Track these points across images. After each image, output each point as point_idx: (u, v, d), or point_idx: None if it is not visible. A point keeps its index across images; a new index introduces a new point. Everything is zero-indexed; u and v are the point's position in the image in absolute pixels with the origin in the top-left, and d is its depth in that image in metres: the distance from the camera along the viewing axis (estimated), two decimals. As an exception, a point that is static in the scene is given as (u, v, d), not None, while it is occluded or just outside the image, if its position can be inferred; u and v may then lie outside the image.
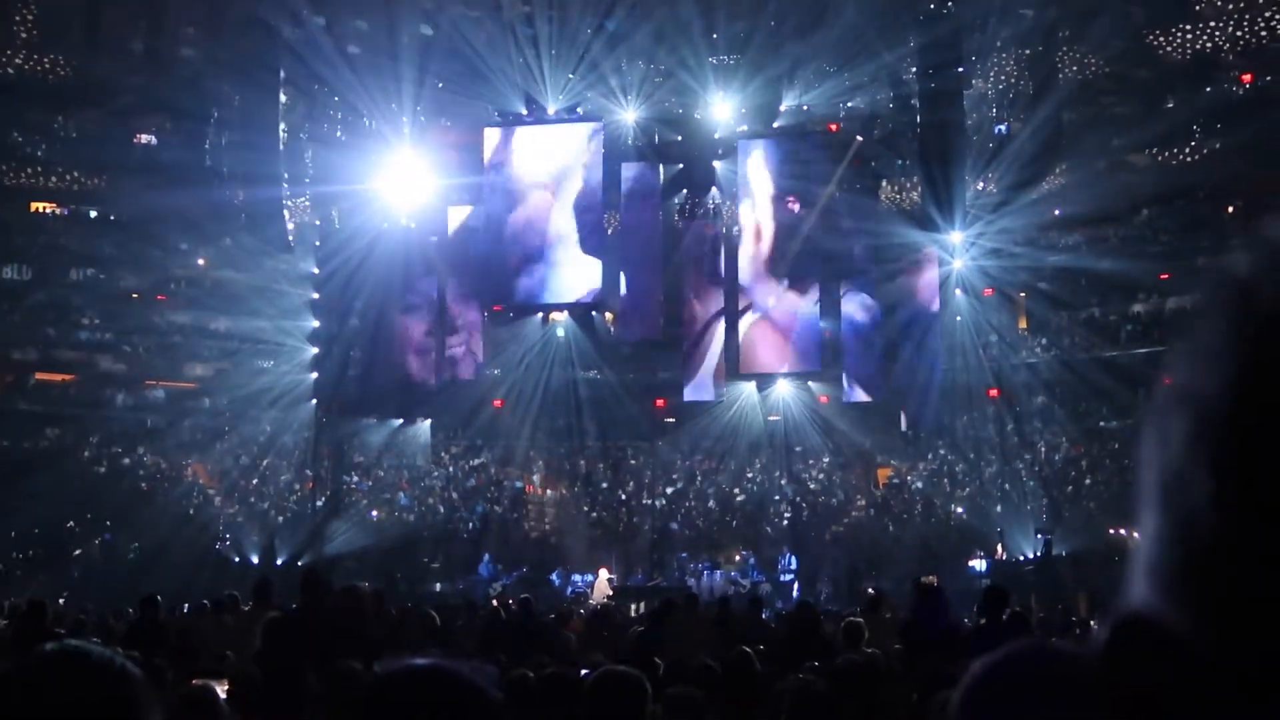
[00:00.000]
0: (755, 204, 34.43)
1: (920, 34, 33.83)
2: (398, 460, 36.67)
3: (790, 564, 30.54)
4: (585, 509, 34.80)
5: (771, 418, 35.08)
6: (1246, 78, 34.58)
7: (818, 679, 7.31)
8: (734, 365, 34.44)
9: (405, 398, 35.65)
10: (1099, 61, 36.10)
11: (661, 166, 35.67)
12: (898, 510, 33.43)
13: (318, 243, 37.06)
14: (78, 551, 32.37)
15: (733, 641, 12.11)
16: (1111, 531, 28.16)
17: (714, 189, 35.85)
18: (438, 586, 30.53)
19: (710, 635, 13.74)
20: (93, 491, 33.70)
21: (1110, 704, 0.90)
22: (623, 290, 34.99)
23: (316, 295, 36.30)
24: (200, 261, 39.55)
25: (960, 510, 32.79)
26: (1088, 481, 31.99)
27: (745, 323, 34.23)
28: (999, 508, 31.64)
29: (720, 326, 34.66)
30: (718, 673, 8.34)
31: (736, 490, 34.81)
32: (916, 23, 34.07)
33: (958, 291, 33.41)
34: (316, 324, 36.22)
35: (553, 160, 34.91)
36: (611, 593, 27.38)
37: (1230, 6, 34.82)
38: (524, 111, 35.48)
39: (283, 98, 36.49)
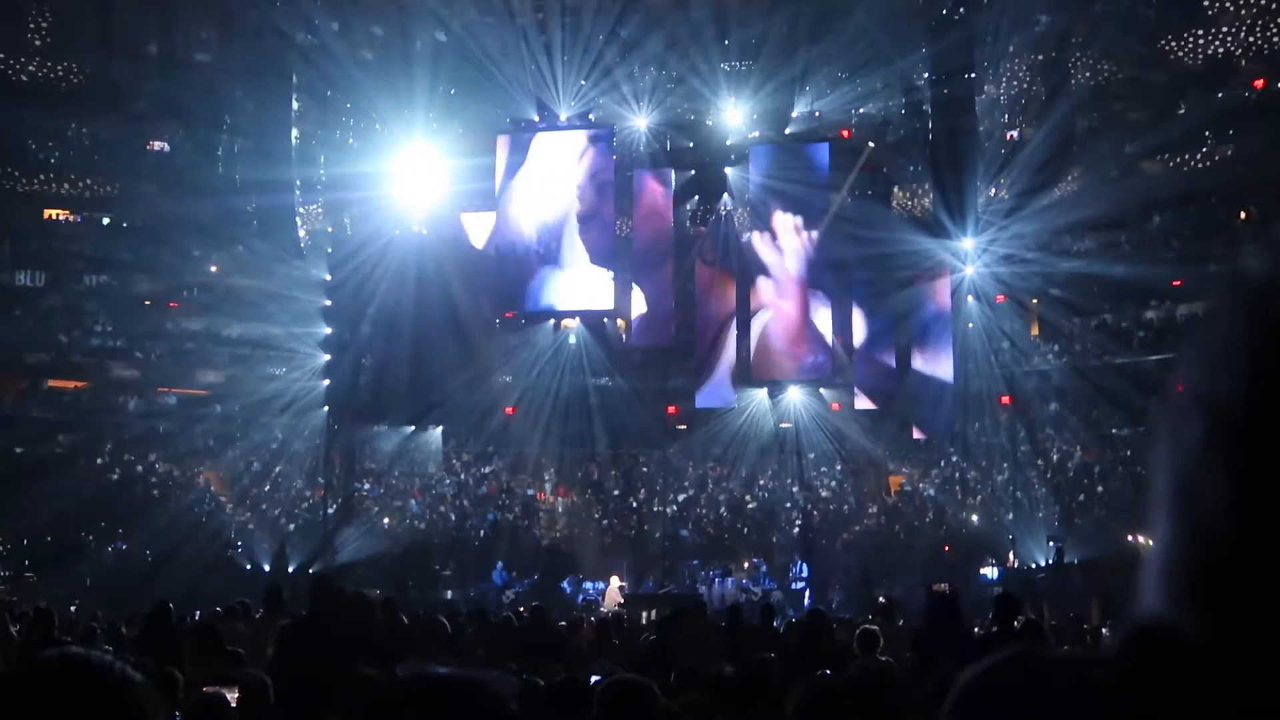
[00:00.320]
0: (767, 210, 34.42)
1: (932, 40, 33.82)
2: (409, 467, 36.70)
3: (802, 571, 30.52)
4: (596, 516, 34.80)
5: (783, 425, 35.08)
6: (1259, 83, 34.49)
7: (828, 679, 7.29)
8: (746, 372, 34.46)
9: (417, 404, 35.68)
10: (1111, 67, 36.04)
11: (673, 173, 35.70)
12: (909, 518, 33.38)
13: (330, 249, 37.11)
14: (89, 557, 32.41)
15: (743, 649, 12.09)
16: (1126, 538, 28.10)
17: (726, 195, 35.89)
18: (449, 594, 30.52)
19: (721, 643, 13.72)
20: (104, 498, 33.74)
21: (1126, 710, 0.89)
22: (634, 297, 35.05)
23: (329, 302, 36.34)
24: (213, 268, 39.60)
25: (973, 518, 32.74)
26: (1100, 489, 31.91)
27: (757, 330, 34.25)
28: (1011, 515, 31.59)
29: (732, 333, 34.69)
30: (729, 680, 8.31)
31: (748, 497, 34.79)
32: (928, 28, 34.06)
33: (969, 298, 33.37)
34: (329, 330, 36.26)
35: (564, 167, 34.95)
36: (622, 600, 27.38)
37: (1243, 11, 34.73)
38: (536, 118, 35.55)
39: (295, 104, 36.59)
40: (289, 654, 9.28)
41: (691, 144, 35.90)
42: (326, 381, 36.03)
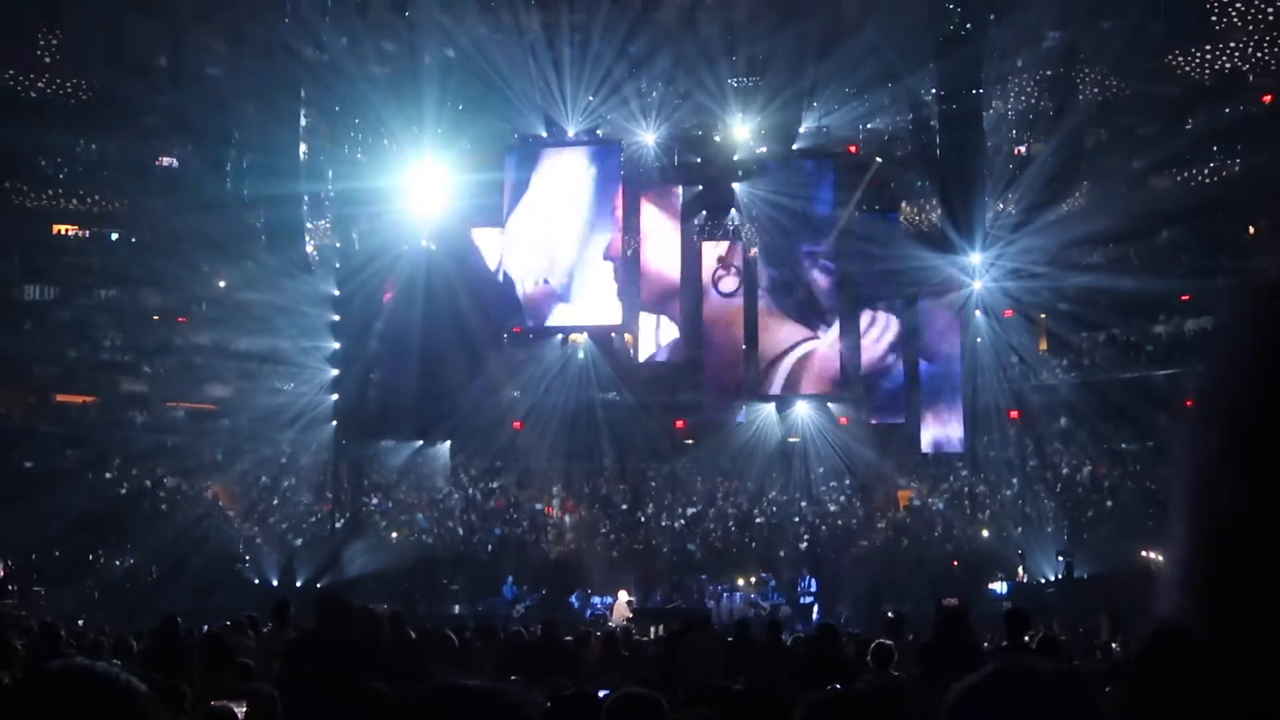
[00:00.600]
0: (774, 226, 34.46)
1: (940, 55, 33.83)
2: (417, 482, 36.70)
3: (810, 586, 30.47)
4: (604, 531, 34.77)
5: (791, 439, 35.05)
6: (1267, 98, 34.49)
7: (835, 693, 7.27)
8: (754, 387, 34.46)
9: (425, 419, 35.67)
10: (1119, 82, 36.05)
11: (681, 188, 35.73)
12: (918, 532, 33.32)
13: (338, 264, 37.14)
14: (97, 572, 32.42)
15: (751, 664, 12.07)
16: (1135, 554, 28.03)
17: (733, 210, 35.91)
18: (456, 608, 30.49)
19: (728, 657, 13.70)
20: (112, 512, 33.76)
21: (1144, 716, 0.89)
22: (642, 312, 35.08)
23: (337, 317, 36.37)
24: (221, 283, 39.66)
25: (982, 533, 32.68)
26: (1109, 503, 31.85)
27: (765, 345, 34.27)
28: (1020, 530, 31.52)
29: (740, 349, 34.71)
30: (737, 695, 8.29)
31: (756, 512, 34.74)
32: (936, 44, 34.07)
33: (978, 313, 33.34)
34: (336, 345, 36.28)
35: (572, 182, 35.00)
36: (630, 615, 27.32)
37: (1251, 26, 34.74)
38: (544, 134, 35.59)
39: (303, 119, 36.65)
40: (295, 668, 9.28)
41: (699, 159, 35.91)
42: (334, 396, 36.03)
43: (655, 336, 35.19)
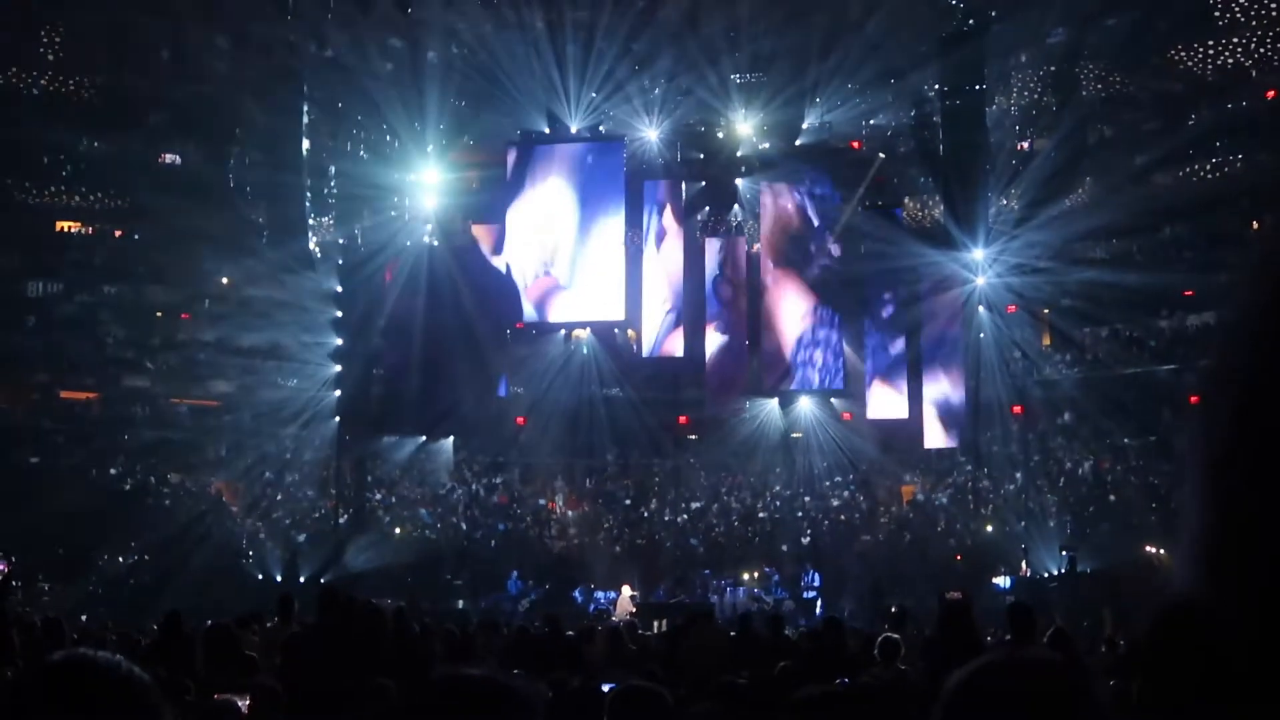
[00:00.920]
0: (777, 221, 34.49)
1: (943, 52, 33.83)
2: (420, 477, 36.70)
3: (814, 581, 30.49)
4: (607, 526, 34.76)
5: (794, 434, 35.06)
6: (1270, 93, 34.48)
7: (835, 688, 7.27)
8: (757, 382, 34.49)
9: (428, 415, 35.71)
10: (1121, 78, 36.03)
11: (684, 184, 35.75)
12: (921, 527, 33.32)
13: (341, 260, 37.16)
14: (100, 568, 32.44)
15: (754, 658, 12.07)
16: (1138, 548, 28.03)
17: (736, 206, 35.93)
18: (460, 604, 30.49)
19: (731, 652, 13.69)
20: (116, 508, 33.77)
21: (1157, 689, 0.89)
22: (644, 308, 35.11)
23: (339, 313, 36.39)
24: (224, 279, 39.67)
25: (985, 527, 32.67)
26: (1112, 498, 31.83)
27: (767, 339, 34.31)
28: (1023, 525, 31.51)
29: (744, 345, 34.75)
30: (742, 689, 8.29)
31: (759, 507, 34.74)
32: (939, 41, 34.07)
33: (981, 308, 33.35)
34: (339, 341, 36.31)
35: (575, 178, 35.03)
36: (634, 610, 27.31)
37: (1254, 22, 34.72)
38: (546, 129, 35.61)
39: (306, 116, 36.67)
40: (299, 663, 9.29)
41: (702, 155, 35.93)
42: (337, 392, 36.06)
43: (658, 332, 35.22)
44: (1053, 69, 36.20)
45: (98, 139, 39.40)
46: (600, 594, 30.09)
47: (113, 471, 36.06)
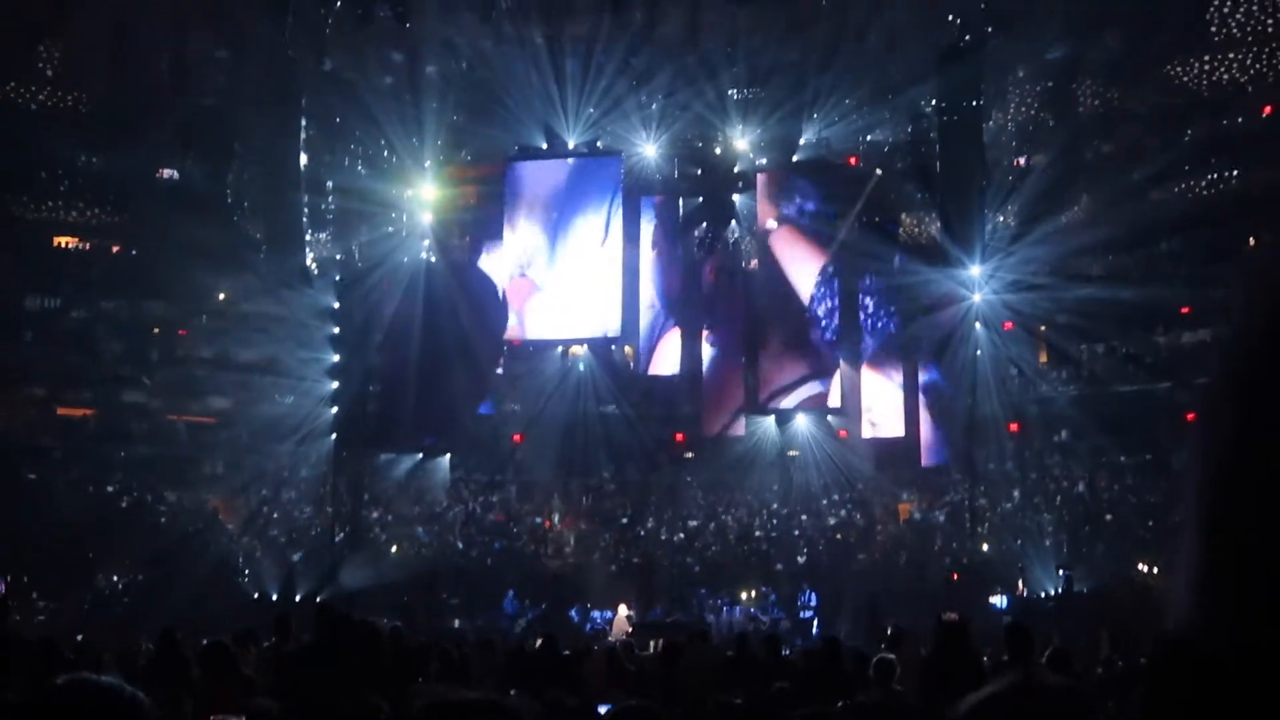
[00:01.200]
0: (774, 237, 34.52)
1: (940, 67, 33.87)
2: (416, 495, 36.66)
3: (810, 600, 30.46)
4: (604, 544, 34.72)
5: (790, 452, 35.03)
6: (1267, 109, 34.54)
7: (832, 709, 7.25)
8: (753, 400, 34.47)
9: (424, 432, 35.71)
10: (1118, 94, 36.08)
11: (681, 200, 35.80)
12: (918, 546, 33.28)
13: (338, 276, 37.18)
14: (96, 585, 32.40)
15: (751, 678, 12.05)
16: (1135, 568, 28.03)
17: (733, 222, 35.96)
18: (456, 622, 30.45)
19: (727, 672, 13.67)
20: (112, 525, 33.72)
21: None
22: (642, 325, 35.13)
23: (337, 329, 36.40)
24: (221, 295, 39.67)
25: (982, 546, 32.65)
26: (1109, 517, 31.81)
27: (765, 358, 34.31)
28: (1020, 543, 31.49)
29: (740, 362, 34.74)
30: (736, 709, 8.28)
31: (755, 525, 34.70)
32: (936, 56, 34.11)
33: (977, 325, 33.35)
34: (336, 358, 36.31)
35: (572, 193, 35.08)
36: (630, 629, 27.29)
37: (1250, 38, 34.80)
38: (544, 145, 35.65)
39: (304, 131, 36.68)
40: (295, 682, 9.27)
41: (699, 170, 35.98)
42: (334, 409, 36.05)
43: (655, 349, 35.23)
44: (1050, 84, 36.23)
45: (96, 154, 39.39)
46: (596, 613, 30.06)
47: (110, 488, 36.02)
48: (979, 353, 33.37)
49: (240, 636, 14.54)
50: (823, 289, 33.91)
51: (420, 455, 36.22)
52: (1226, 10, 35.00)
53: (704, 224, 36.38)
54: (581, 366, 35.86)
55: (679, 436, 36.36)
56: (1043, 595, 29.79)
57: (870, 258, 33.70)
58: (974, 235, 33.10)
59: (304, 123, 36.56)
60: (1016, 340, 34.06)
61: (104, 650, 16.21)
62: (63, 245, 40.12)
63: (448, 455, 36.50)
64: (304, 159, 36.42)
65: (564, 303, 34.92)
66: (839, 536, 33.98)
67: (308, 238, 37.46)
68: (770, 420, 34.84)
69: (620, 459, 35.79)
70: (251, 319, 37.82)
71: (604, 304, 34.70)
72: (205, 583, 30.66)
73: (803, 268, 34.09)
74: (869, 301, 34.15)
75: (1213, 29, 35.30)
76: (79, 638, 23.24)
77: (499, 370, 36.01)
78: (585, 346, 35.89)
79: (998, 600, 29.71)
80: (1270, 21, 34.58)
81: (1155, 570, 27.11)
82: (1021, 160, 36.29)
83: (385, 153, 36.37)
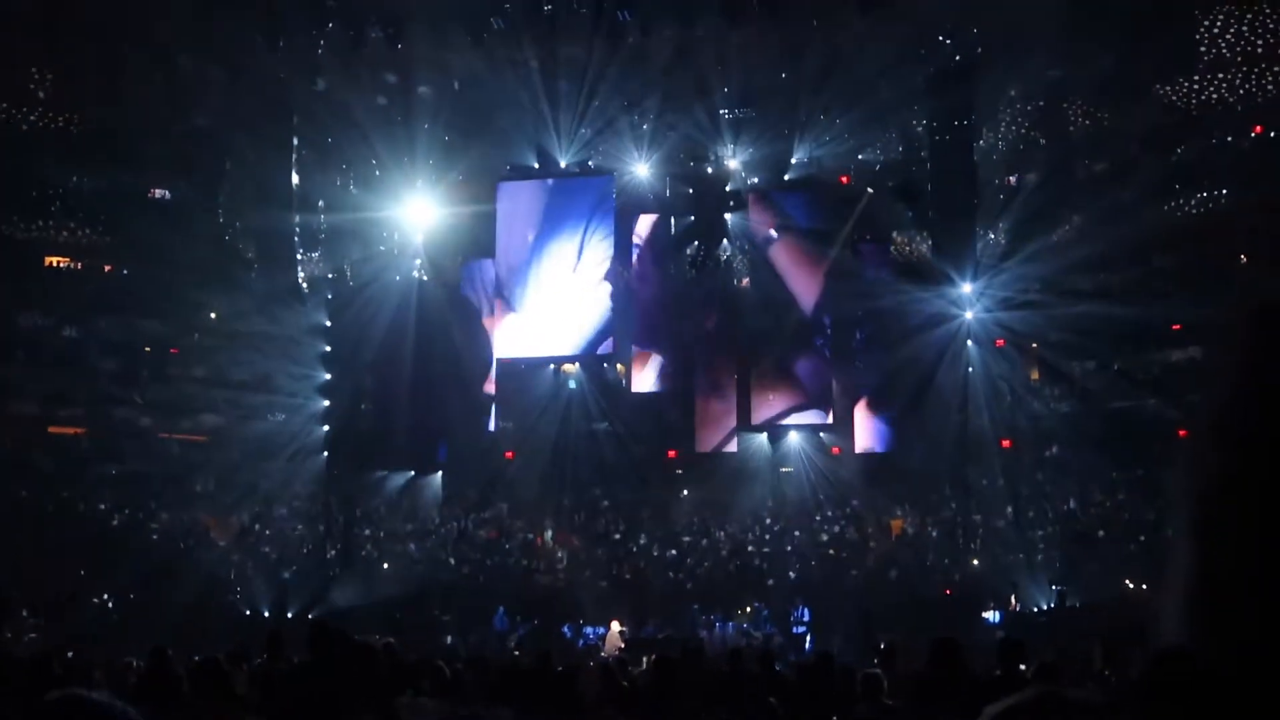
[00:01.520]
0: (775, 248, 34.59)
1: (931, 87, 33.97)
2: (409, 512, 36.59)
3: (803, 616, 30.41)
4: (596, 561, 34.65)
5: (783, 469, 35.02)
6: (1257, 129, 34.67)
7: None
8: (746, 418, 34.48)
9: (416, 449, 35.69)
10: (1108, 114, 36.18)
11: (673, 219, 35.84)
12: (910, 561, 33.25)
13: (330, 295, 37.17)
14: (88, 603, 32.29)
15: (743, 694, 12.02)
16: (1127, 584, 28.02)
17: (725, 241, 36.01)
18: (448, 639, 30.38)
19: (720, 688, 13.64)
20: (104, 543, 33.65)
21: None
22: (634, 343, 35.15)
23: (328, 347, 36.38)
24: (213, 314, 39.65)
25: (974, 562, 32.63)
26: (1101, 532, 31.81)
27: (757, 375, 34.36)
28: (1012, 559, 31.48)
29: (732, 379, 34.75)
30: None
31: (748, 542, 34.65)
32: (928, 76, 34.22)
33: (969, 343, 33.39)
34: (328, 376, 36.28)
35: (563, 213, 35.12)
36: (623, 645, 27.24)
37: (1239, 59, 34.94)
38: (536, 165, 35.69)
39: (295, 151, 36.69)
40: (288, 700, 9.25)
41: (691, 190, 36.01)
42: (326, 427, 36.02)
43: (647, 367, 35.24)
44: (1040, 104, 36.34)
45: (88, 174, 39.39)
46: (589, 629, 30.01)
47: (101, 506, 35.94)
48: (970, 370, 33.40)
49: (233, 654, 14.53)
50: (823, 305, 34.03)
51: (412, 472, 36.18)
52: (1216, 31, 35.14)
53: (696, 243, 36.41)
54: (573, 384, 35.85)
55: (671, 453, 36.34)
56: (1035, 610, 29.78)
57: (861, 278, 33.76)
58: (965, 253, 33.20)
59: (295, 142, 36.60)
60: (1008, 357, 34.09)
61: (94, 667, 16.16)
62: (55, 265, 40.08)
63: (439, 473, 36.44)
64: (295, 178, 36.44)
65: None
66: (832, 552, 33.93)
67: (299, 256, 37.49)
68: (763, 437, 34.86)
69: (613, 476, 35.74)
70: (243, 337, 37.81)
71: (594, 321, 34.72)
72: (197, 600, 30.60)
73: (803, 280, 34.16)
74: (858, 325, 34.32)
75: (1202, 49, 35.44)
76: (69, 655, 23.21)
77: (491, 389, 35.89)
78: (577, 365, 35.90)
79: (990, 615, 29.68)
80: (1259, 42, 34.73)
81: (1143, 586, 27.12)
82: (1012, 179, 36.38)
83: (376, 172, 36.40)
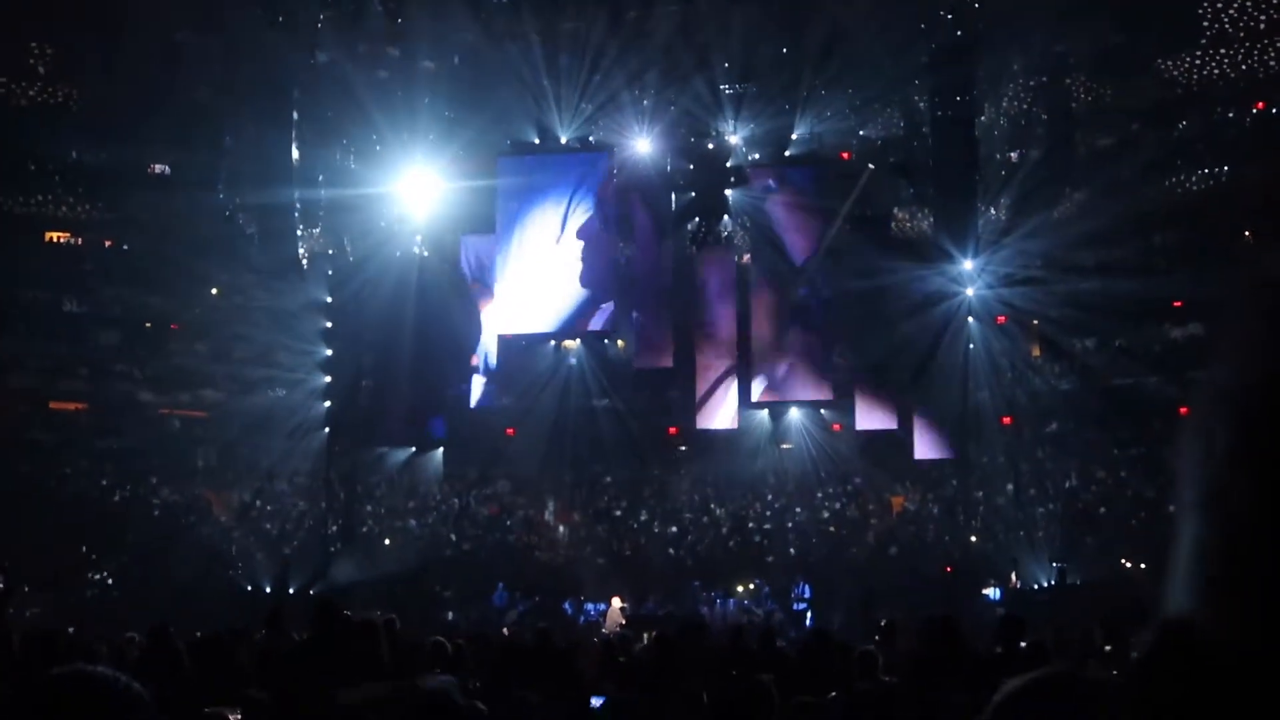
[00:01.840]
0: (768, 232, 34.55)
1: (933, 63, 33.91)
2: (409, 488, 36.64)
3: (804, 593, 30.45)
4: (598, 537, 34.71)
5: (784, 446, 35.06)
6: (1259, 105, 34.62)
7: (824, 701, 7.27)
8: (747, 395, 34.49)
9: (417, 425, 35.71)
10: (1110, 89, 36.13)
11: (674, 195, 35.79)
12: (911, 539, 33.31)
13: (330, 271, 37.15)
14: (89, 579, 32.38)
15: (744, 670, 12.05)
16: (1125, 564, 28.06)
17: (726, 217, 35.97)
18: (450, 615, 30.45)
19: (721, 664, 13.67)
20: (105, 519, 33.73)
21: (1150, 711, 0.89)
22: (634, 319, 35.16)
23: (329, 324, 36.37)
24: (213, 289, 39.64)
25: (975, 539, 32.68)
26: (1102, 509, 31.86)
27: (758, 352, 34.35)
28: (1013, 536, 31.53)
29: (733, 355, 34.74)
30: (730, 700, 8.29)
31: (749, 518, 34.71)
32: (930, 51, 34.15)
33: (970, 319, 33.37)
34: (329, 352, 36.29)
35: (564, 189, 35.08)
36: (624, 621, 27.30)
37: (1242, 34, 34.86)
38: (536, 140, 35.63)
39: (295, 126, 36.62)
40: (289, 677, 9.26)
41: (691, 165, 35.96)
42: (327, 403, 36.03)
43: (649, 342, 35.23)
44: (1042, 79, 36.28)
45: (87, 149, 39.36)
46: (590, 606, 30.06)
47: (102, 481, 36.00)
48: (972, 347, 33.40)
49: (235, 630, 14.56)
50: (824, 281, 34.04)
51: (413, 449, 36.22)
52: (1219, 6, 35.05)
53: (697, 218, 36.38)
54: (574, 360, 35.84)
55: (672, 430, 36.37)
56: (1036, 587, 29.84)
57: (862, 254, 33.73)
58: (967, 229, 33.16)
59: (295, 117, 36.52)
60: (1010, 334, 34.09)
61: (98, 642, 16.19)
62: (55, 240, 40.07)
63: (440, 449, 36.47)
64: (295, 153, 36.37)
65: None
66: (832, 529, 34.00)
67: (299, 231, 37.44)
68: (764, 413, 34.88)
69: (614, 452, 35.75)
70: (243, 312, 37.82)
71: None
72: (197, 575, 30.67)
73: (804, 255, 34.14)
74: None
75: (1205, 24, 35.36)
76: (71, 630, 23.29)
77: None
78: (578, 341, 35.88)
79: (991, 592, 29.74)
80: (1262, 17, 34.65)
81: (1142, 565, 27.16)
82: (1014, 155, 36.33)
83: (377, 147, 36.31)
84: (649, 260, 35.53)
